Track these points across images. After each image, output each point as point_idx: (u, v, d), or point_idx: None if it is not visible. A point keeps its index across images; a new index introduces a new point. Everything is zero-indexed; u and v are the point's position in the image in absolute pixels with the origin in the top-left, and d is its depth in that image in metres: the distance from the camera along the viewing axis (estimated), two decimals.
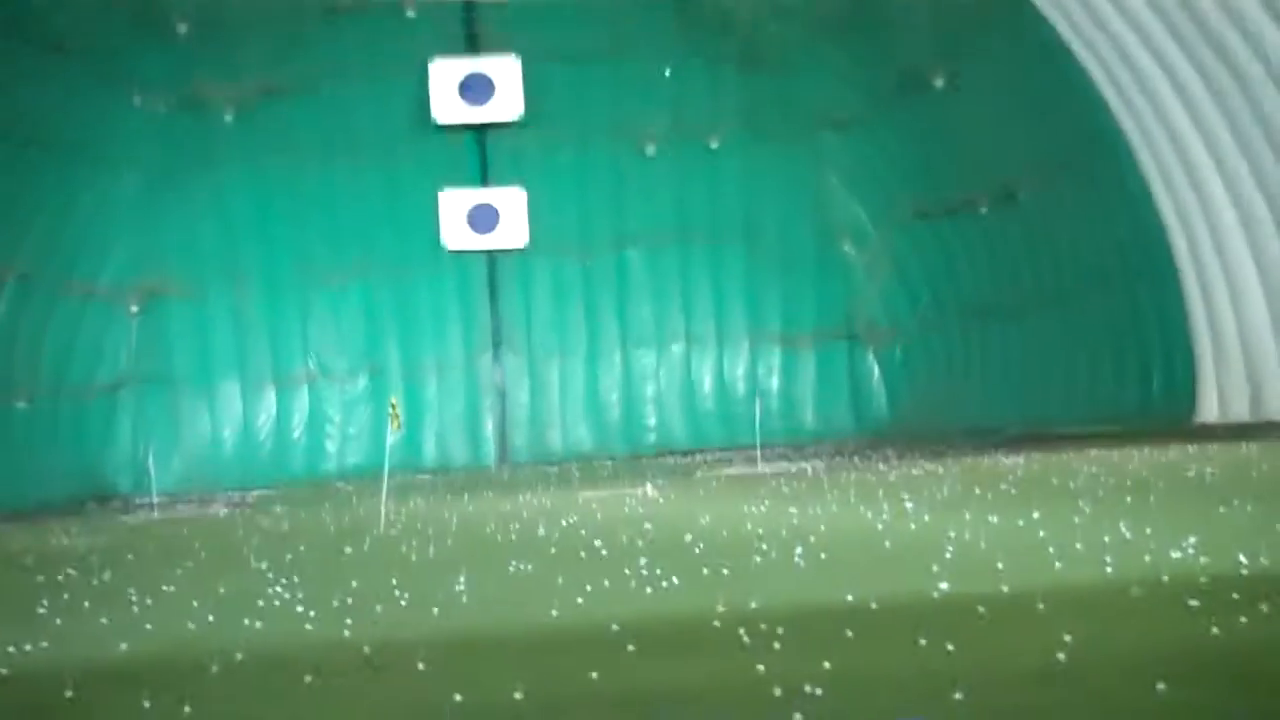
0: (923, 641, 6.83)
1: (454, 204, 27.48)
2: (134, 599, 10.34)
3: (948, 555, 9.78)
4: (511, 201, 27.64)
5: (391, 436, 17.31)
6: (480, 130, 27.84)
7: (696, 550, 11.14)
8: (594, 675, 6.63)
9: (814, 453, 25.35)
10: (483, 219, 27.50)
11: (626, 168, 28.53)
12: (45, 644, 8.59)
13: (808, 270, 29.33)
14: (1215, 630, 6.68)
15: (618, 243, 28.80)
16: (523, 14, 27.01)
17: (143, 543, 15.55)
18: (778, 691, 6.03)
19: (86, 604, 10.28)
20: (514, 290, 28.68)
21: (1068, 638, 6.64)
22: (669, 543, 11.83)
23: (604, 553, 11.43)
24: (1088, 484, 14.65)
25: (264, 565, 12.14)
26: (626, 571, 10.02)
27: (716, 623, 7.76)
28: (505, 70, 26.85)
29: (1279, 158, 20.60)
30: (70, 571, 12.60)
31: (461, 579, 10.17)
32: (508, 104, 26.92)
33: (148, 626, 9.05)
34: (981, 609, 7.66)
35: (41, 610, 10.05)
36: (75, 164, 24.86)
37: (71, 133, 24.61)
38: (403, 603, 9.38)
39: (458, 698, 6.32)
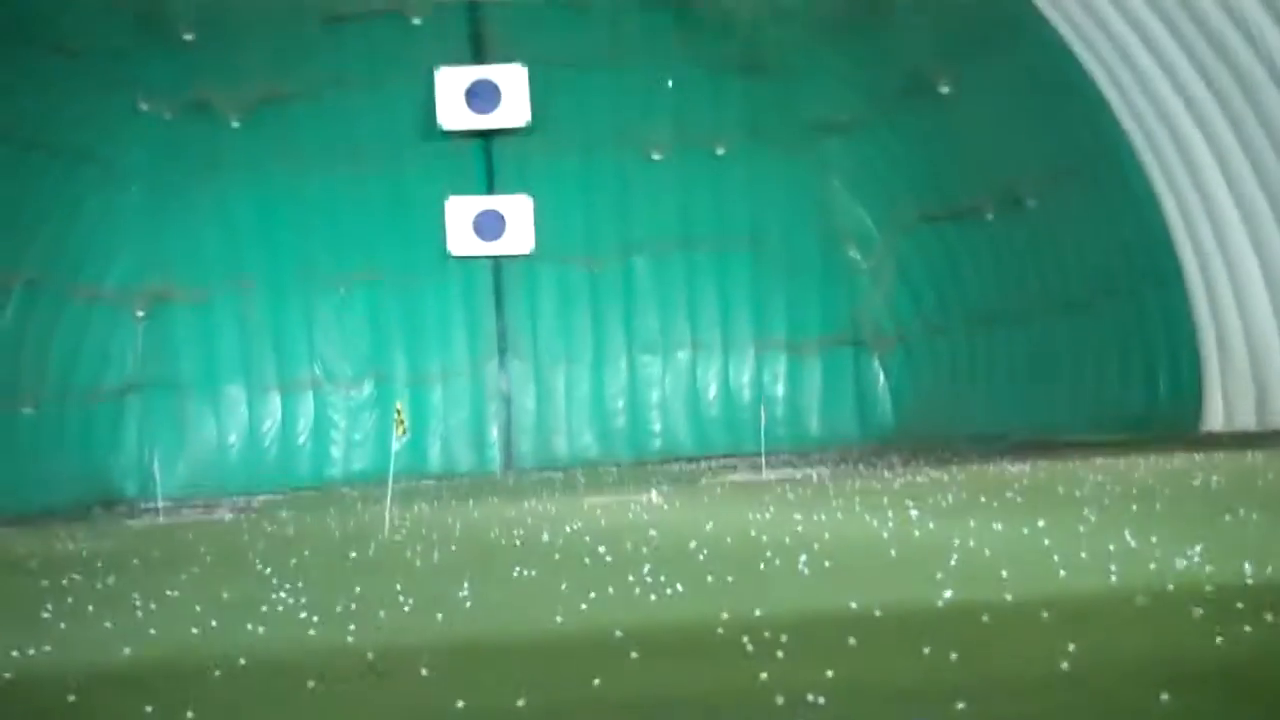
0: (927, 650, 6.81)
1: (460, 210, 27.51)
2: (138, 604, 10.34)
3: (952, 563, 9.77)
4: (517, 208, 27.67)
5: (397, 442, 17.29)
6: (486, 137, 27.87)
7: (701, 557, 11.13)
8: (597, 682, 6.62)
9: (819, 460, 25.34)
10: (489, 225, 27.54)
11: (632, 174, 28.56)
12: (49, 648, 8.60)
13: (813, 276, 29.33)
14: (1220, 639, 6.66)
15: (623, 249, 28.82)
16: (528, 22, 27.07)
17: (147, 547, 15.55)
18: (781, 699, 6.02)
19: (90, 608, 10.29)
20: (520, 297, 28.70)
21: (1072, 646, 6.62)
22: (673, 549, 11.82)
23: (608, 559, 11.42)
24: (1093, 492, 14.62)
25: (268, 570, 12.14)
26: (630, 578, 10.01)
27: (720, 630, 7.75)
28: (511, 78, 26.88)
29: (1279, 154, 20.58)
30: (74, 576, 12.60)
31: (465, 585, 10.16)
32: (514, 111, 26.94)
33: (151, 631, 9.05)
34: (986, 617, 7.65)
35: (45, 614, 10.06)
36: (80, 169, 24.91)
37: (77, 138, 24.65)
38: (406, 608, 9.38)
39: (460, 704, 6.32)
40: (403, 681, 7.01)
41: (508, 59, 26.96)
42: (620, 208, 28.68)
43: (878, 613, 7.98)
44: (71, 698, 7.03)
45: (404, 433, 16.75)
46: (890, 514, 13.71)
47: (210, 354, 27.37)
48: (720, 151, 28.68)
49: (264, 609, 9.69)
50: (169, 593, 10.97)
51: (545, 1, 26.98)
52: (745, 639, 7.35)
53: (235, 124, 26.67)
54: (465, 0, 27.33)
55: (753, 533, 12.76)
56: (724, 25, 27.31)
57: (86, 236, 25.40)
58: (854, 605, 8.21)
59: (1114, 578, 8.70)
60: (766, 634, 7.42)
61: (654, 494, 19.05)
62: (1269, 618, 7.05)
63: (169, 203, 26.65)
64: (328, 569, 12.28)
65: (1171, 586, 8.16)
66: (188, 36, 25.33)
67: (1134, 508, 12.72)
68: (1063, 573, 9.04)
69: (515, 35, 27.10)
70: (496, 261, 28.38)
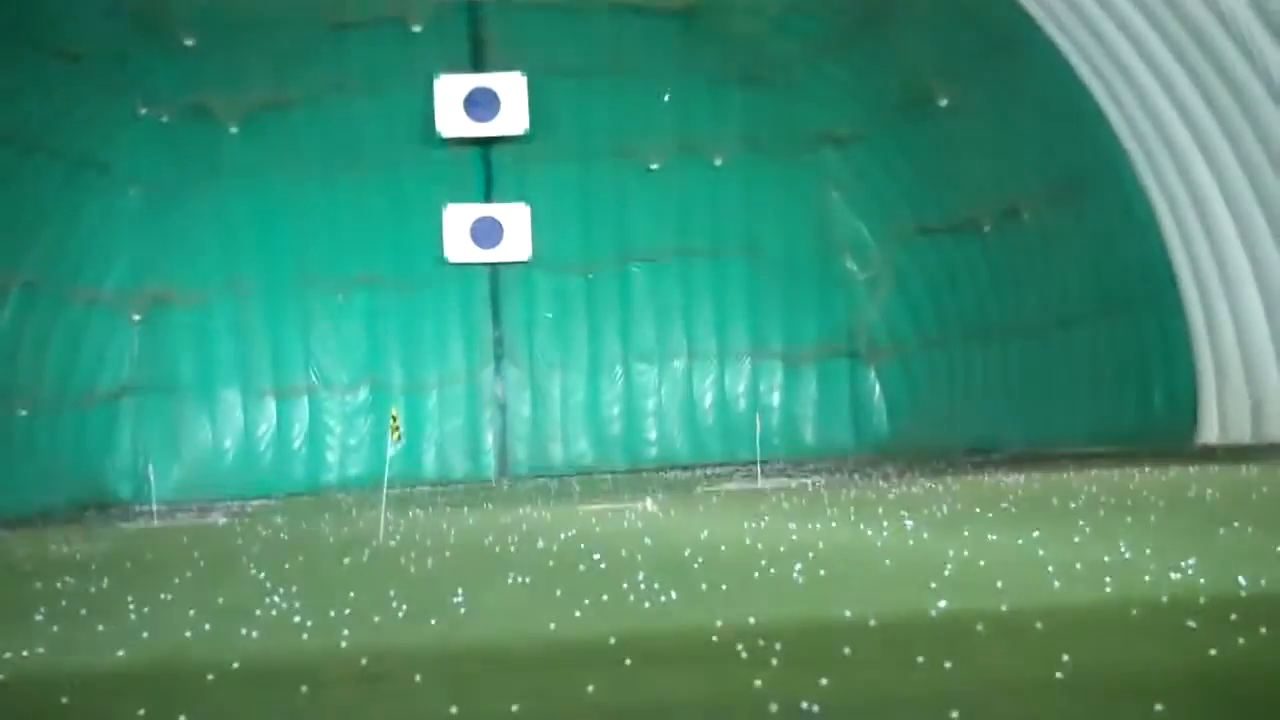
0: (920, 659, 6.81)
1: (458, 218, 27.54)
2: (131, 607, 10.33)
3: (947, 573, 9.76)
4: (515, 216, 27.70)
5: (392, 448, 17.30)
6: (485, 145, 27.90)
7: (695, 565, 11.13)
8: (591, 689, 6.62)
9: (814, 469, 25.33)
10: (486, 233, 27.56)
11: (630, 184, 28.62)
12: (42, 651, 8.58)
13: (809, 287, 29.38)
14: (1213, 651, 6.67)
15: (620, 258, 28.87)
16: (528, 30, 27.15)
17: (141, 551, 15.53)
18: (774, 707, 6.02)
19: (83, 611, 10.27)
20: (516, 304, 28.71)
21: (1066, 657, 6.63)
22: (668, 557, 11.81)
23: (603, 566, 11.41)
24: (1088, 504, 14.63)
25: (262, 575, 12.13)
26: (625, 586, 10.00)
27: (714, 637, 7.74)
28: (510, 86, 26.93)
29: (1277, 171, 20.60)
30: (68, 579, 12.58)
31: (460, 591, 10.15)
32: (513, 119, 26.99)
33: (144, 635, 9.03)
34: (980, 627, 7.64)
35: (39, 617, 10.03)
36: (80, 173, 24.94)
37: (77, 141, 24.68)
38: (400, 614, 9.36)
39: (454, 710, 6.31)
40: (396, 688, 7.00)
41: (507, 67, 27.01)
42: (618, 217, 28.73)
43: (872, 622, 7.98)
44: (64, 700, 7.02)
45: (399, 439, 16.74)
46: (885, 524, 13.71)
47: (207, 358, 27.38)
48: (718, 162, 28.75)
49: (258, 613, 9.67)
50: (162, 596, 10.96)
51: (545, 10, 27.04)
52: (739, 647, 7.35)
53: (234, 129, 26.74)
54: (466, 8, 27.38)
55: (747, 541, 12.76)
56: (724, 37, 27.38)
57: (85, 240, 25.41)
58: (848, 614, 8.21)
59: (1108, 589, 8.70)
60: (761, 642, 7.42)
61: (649, 502, 19.04)
62: (1263, 630, 7.05)
63: (168, 207, 26.69)
64: (322, 574, 12.26)
65: (1165, 598, 8.16)
66: (188, 42, 25.39)
67: (1129, 519, 12.72)
68: (1057, 584, 9.04)
69: (515, 44, 27.17)
70: (494, 269, 28.40)
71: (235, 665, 7.64)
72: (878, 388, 29.59)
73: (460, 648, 8.10)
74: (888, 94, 27.06)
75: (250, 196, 27.19)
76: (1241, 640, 6.87)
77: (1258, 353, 21.58)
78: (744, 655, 7.19)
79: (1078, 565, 9.74)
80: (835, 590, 9.38)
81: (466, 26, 27.56)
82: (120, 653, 8.34)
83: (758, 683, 6.50)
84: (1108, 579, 9.01)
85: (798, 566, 10.55)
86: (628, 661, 7.23)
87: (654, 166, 28.53)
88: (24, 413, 23.74)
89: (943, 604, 8.38)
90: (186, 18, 25.19)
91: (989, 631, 7.57)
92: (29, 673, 7.93)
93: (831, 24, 26.68)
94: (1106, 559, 9.94)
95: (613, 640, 7.76)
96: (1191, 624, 7.33)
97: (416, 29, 26.75)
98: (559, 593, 9.86)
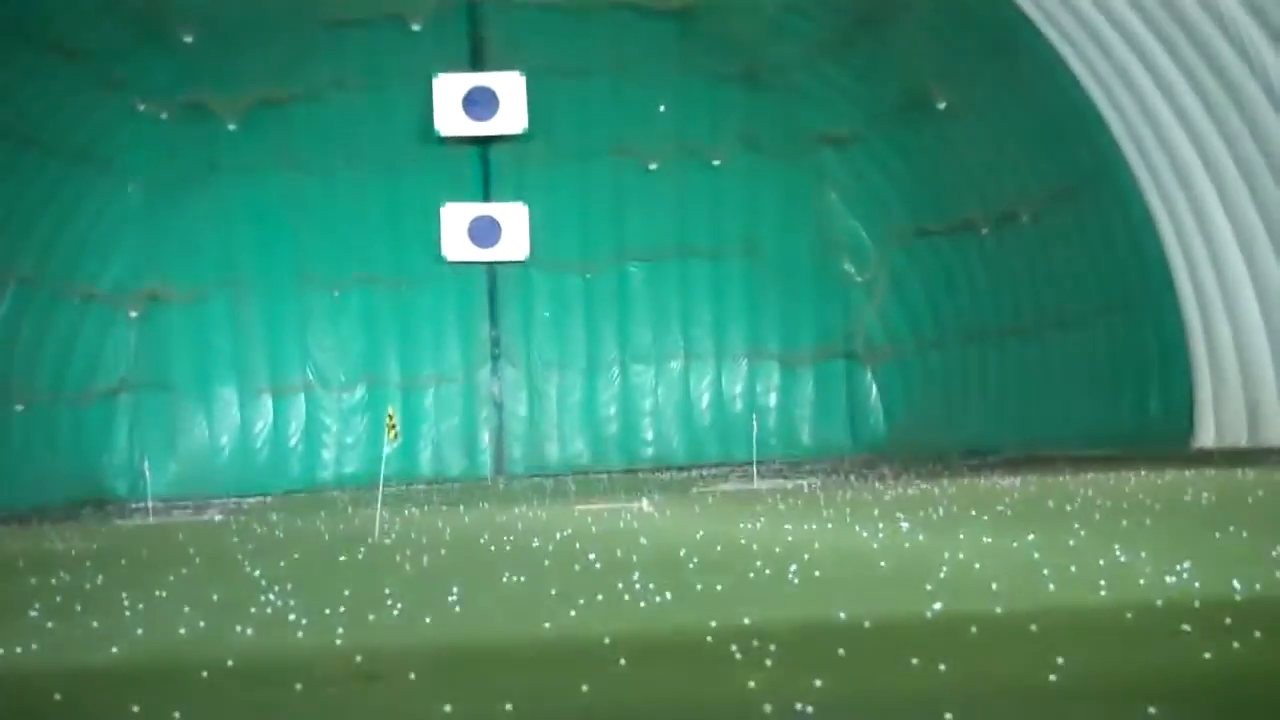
0: (915, 661, 6.81)
1: (455, 217, 27.52)
2: (126, 604, 10.32)
3: (942, 575, 9.77)
4: (513, 215, 27.68)
5: (388, 447, 17.30)
6: (483, 144, 27.89)
7: (690, 565, 11.13)
8: (585, 688, 6.62)
9: (810, 470, 25.34)
10: (484, 232, 27.54)
11: (628, 183, 28.60)
12: (36, 647, 8.58)
13: (807, 288, 29.38)
14: (1208, 655, 6.67)
15: (618, 258, 28.86)
16: (528, 29, 27.13)
17: (136, 548, 15.53)
18: (768, 708, 6.02)
19: (78, 608, 10.27)
20: (514, 304, 28.70)
21: (1060, 659, 6.63)
22: (663, 557, 11.82)
23: (598, 566, 11.42)
24: (1084, 507, 14.63)
25: (257, 572, 12.13)
26: (620, 585, 10.00)
27: (709, 638, 7.74)
28: (509, 85, 26.91)
29: (1275, 176, 20.62)
30: (63, 575, 12.58)
31: (455, 590, 10.15)
32: (511, 118, 26.97)
33: (139, 631, 9.03)
34: (975, 629, 7.65)
35: (33, 613, 10.03)
36: (77, 169, 24.92)
37: (74, 137, 24.66)
38: (395, 612, 9.36)
39: (448, 708, 6.31)
40: (390, 685, 7.01)
41: (506, 66, 27.00)
42: (616, 216, 28.72)
43: (867, 623, 7.98)
44: (58, 696, 7.02)
45: (395, 437, 16.74)
46: (881, 525, 13.72)
47: (203, 355, 27.35)
48: (717, 162, 28.74)
49: (252, 611, 9.67)
50: (157, 593, 10.95)
51: (545, 10, 27.04)
52: (734, 647, 7.35)
53: (233, 126, 26.73)
54: (465, 7, 27.38)
55: (743, 542, 12.76)
56: (723, 37, 27.39)
57: (82, 236, 25.39)
58: (843, 616, 8.21)
59: (1103, 592, 8.71)
60: (755, 643, 7.42)
61: (645, 502, 19.04)
62: (1257, 634, 7.06)
63: (166, 204, 26.66)
64: (317, 572, 12.26)
65: (1160, 602, 8.17)
66: (187, 38, 25.39)
67: (1124, 523, 12.73)
68: (1052, 586, 9.05)
69: (514, 43, 27.15)
70: (491, 268, 28.39)
71: (230, 662, 7.64)
72: (874, 389, 29.58)
73: (455, 646, 8.10)
74: (886, 96, 27.06)
75: (248, 194, 27.14)
76: (1236, 644, 6.88)
77: (1254, 357, 21.59)
78: (738, 656, 7.20)
79: (1073, 568, 9.75)
80: (830, 592, 9.38)
81: (466, 25, 27.54)
82: (115, 649, 8.34)
83: (752, 684, 6.50)
84: (1103, 582, 9.02)
85: (793, 568, 10.55)
86: (622, 661, 7.23)
87: (652, 167, 28.53)
88: (20, 409, 23.72)
89: (938, 606, 8.38)
90: (185, 14, 25.17)
91: (984, 634, 7.58)
92: (23, 669, 7.92)
93: (830, 25, 26.68)
94: (1101, 562, 9.95)
95: (607, 640, 7.76)
96: (1186, 628, 7.34)
97: (416, 27, 26.74)
98: (554, 592, 9.86)
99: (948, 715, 5.73)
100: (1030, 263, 25.72)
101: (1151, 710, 5.67)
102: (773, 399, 29.37)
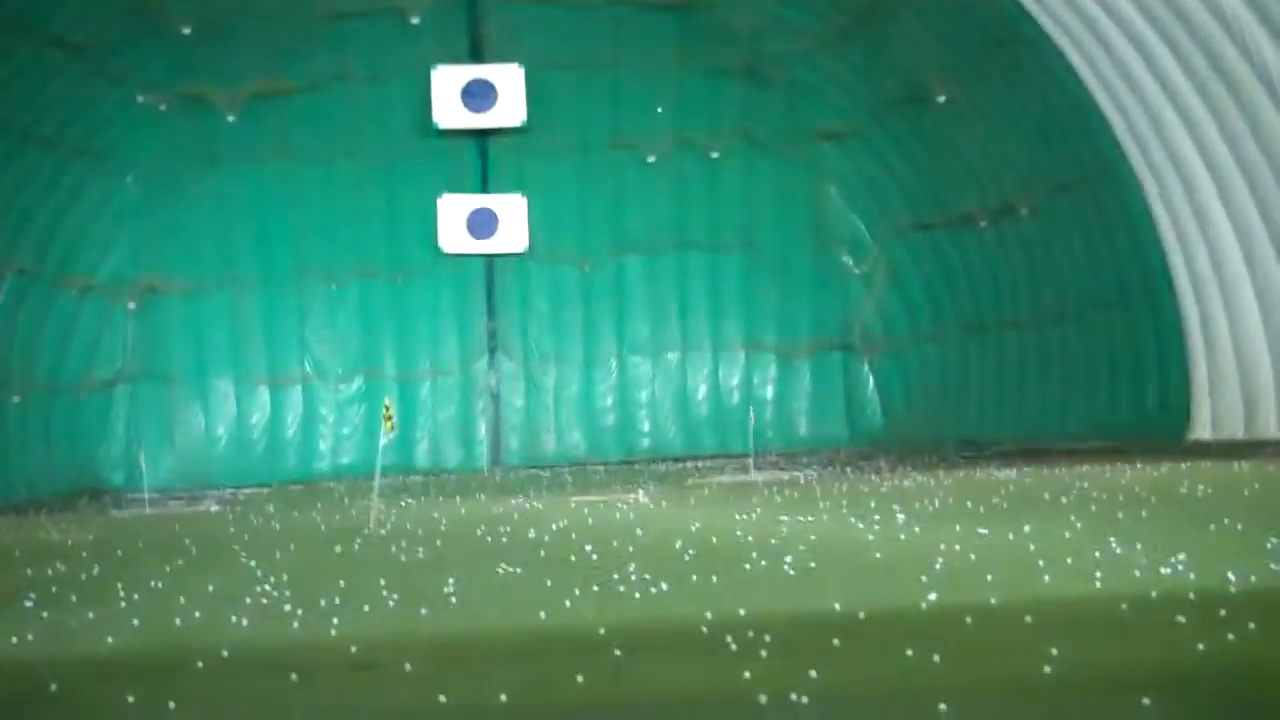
0: (910, 652, 6.82)
1: (453, 209, 27.50)
2: (122, 594, 10.32)
3: (937, 567, 9.78)
4: (511, 207, 27.66)
5: (385, 438, 17.28)
6: (482, 136, 27.87)
7: (686, 557, 11.14)
8: (580, 679, 6.62)
9: (807, 462, 25.35)
10: (482, 224, 27.53)
11: (626, 176, 28.58)
12: (31, 637, 8.58)
13: (805, 281, 29.36)
14: (1202, 647, 6.68)
15: (616, 250, 28.84)
16: (526, 22, 27.12)
17: (132, 538, 15.53)
18: (763, 699, 6.02)
19: (74, 598, 10.26)
20: (511, 296, 28.68)
21: (1055, 651, 6.63)
22: (659, 549, 11.82)
23: (594, 557, 11.42)
24: (1079, 499, 14.65)
25: (253, 563, 12.13)
26: (616, 576, 10.01)
27: (704, 629, 7.75)
28: (508, 77, 26.90)
29: (1275, 174, 20.62)
30: (59, 565, 12.58)
31: (450, 581, 10.15)
32: (510, 111, 26.96)
33: (135, 622, 9.03)
34: (970, 621, 7.65)
35: (28, 604, 10.03)
36: (76, 161, 24.88)
37: (73, 130, 24.62)
38: (391, 603, 9.37)
39: (443, 699, 6.32)
40: (385, 676, 7.01)
41: (505, 59, 26.99)
42: (614, 209, 28.69)
43: (862, 615, 7.99)
44: (54, 687, 7.01)
45: (392, 428, 16.73)
46: (876, 517, 13.72)
47: (200, 347, 27.32)
48: (715, 155, 28.72)
49: (248, 601, 9.68)
50: (153, 584, 10.95)
51: (544, 3, 27.02)
52: (729, 638, 7.35)
53: (231, 118, 26.72)
54: (464, 0, 27.37)
55: (739, 533, 12.77)
56: (724, 31, 27.37)
57: (80, 228, 25.36)
58: (838, 607, 8.22)
59: (1098, 584, 8.72)
60: (750, 634, 7.43)
61: (641, 493, 19.05)
62: (1252, 626, 7.07)
63: (164, 196, 26.65)
64: (313, 563, 12.26)
65: (1155, 594, 8.17)
66: (185, 30, 25.36)
67: (1120, 515, 12.74)
68: (1047, 578, 9.06)
69: (513, 35, 27.14)
70: (489, 260, 28.37)
71: (225, 653, 7.63)
72: (871, 381, 29.59)
73: (450, 637, 8.11)
74: (886, 90, 27.03)
75: (247, 186, 27.12)
76: (1231, 636, 6.89)
77: (1252, 349, 21.58)
78: (734, 647, 7.20)
79: (1068, 560, 9.76)
80: (826, 583, 9.39)
81: (465, 18, 27.51)
82: (109, 640, 8.34)
83: (747, 674, 6.51)
84: (1098, 574, 9.03)
85: (789, 559, 10.56)
86: (617, 652, 7.24)
87: (651, 160, 28.51)
88: (17, 399, 23.70)
89: (933, 597, 8.39)
90: (183, 7, 25.15)
91: (979, 625, 7.59)
92: (18, 660, 7.92)
93: (830, 19, 26.65)
94: (1097, 554, 9.96)
95: (603, 631, 7.77)
96: (1181, 619, 7.35)
97: (415, 20, 26.72)
98: (550, 583, 9.87)
99: (942, 706, 5.74)
100: (1029, 257, 25.71)
101: (1146, 701, 5.67)
102: (770, 391, 29.37)
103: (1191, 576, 8.74)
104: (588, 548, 12.07)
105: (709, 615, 8.08)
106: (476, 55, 27.39)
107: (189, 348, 27.28)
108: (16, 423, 23.73)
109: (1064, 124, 23.74)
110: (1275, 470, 17.52)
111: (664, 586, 9.48)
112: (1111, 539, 10.66)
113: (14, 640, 8.44)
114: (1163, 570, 9.03)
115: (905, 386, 29.09)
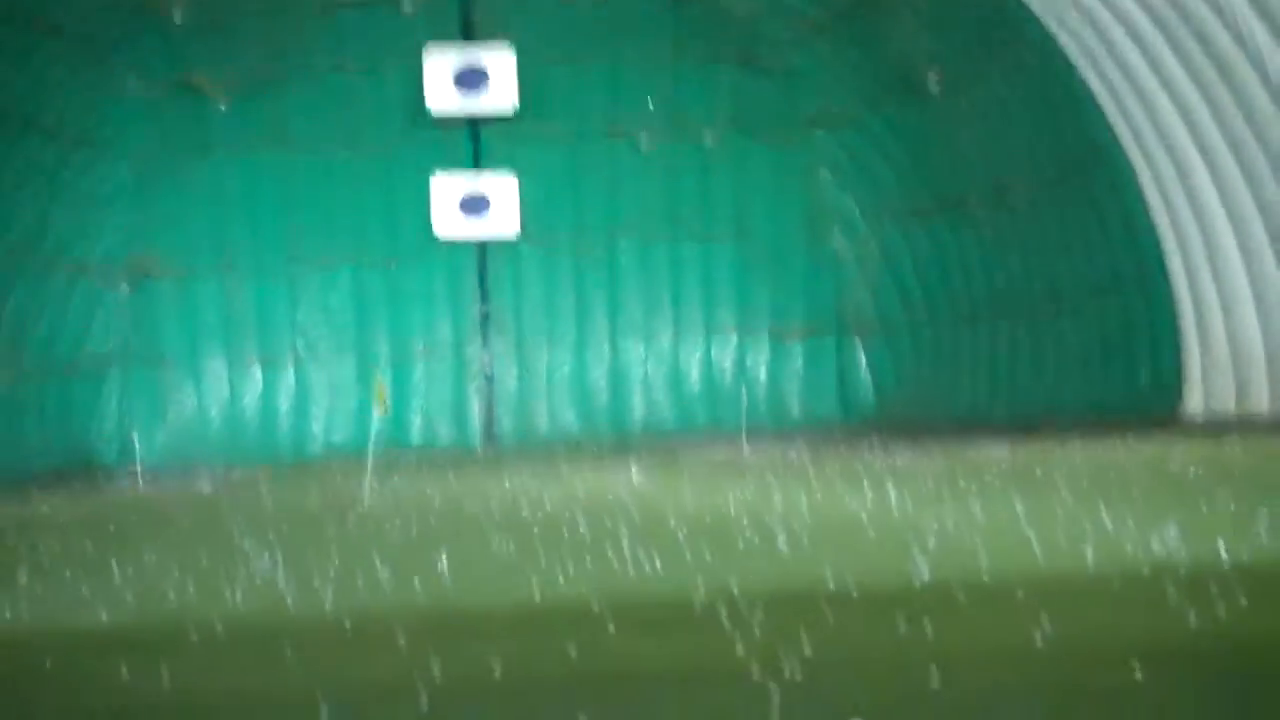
0: (902, 626, 6.84)
1: (446, 190, 27.43)
2: (115, 570, 10.33)
3: (929, 543, 9.80)
4: (503, 189, 27.59)
5: (376, 415, 17.28)
6: (474, 121, 27.81)
7: (679, 533, 11.15)
8: (573, 654, 6.64)
9: (800, 441, 25.36)
10: (474, 206, 27.48)
11: (619, 160, 28.53)
12: (25, 612, 8.59)
13: (797, 264, 29.36)
14: (1193, 620, 6.71)
15: (609, 233, 28.80)
16: (518, 6, 27.08)
17: (125, 515, 15.54)
18: (756, 674, 6.04)
19: (67, 574, 10.27)
20: (504, 278, 28.66)
21: (1047, 626, 6.65)
22: (652, 525, 11.85)
23: (587, 534, 11.44)
24: (1071, 475, 14.67)
25: (246, 539, 12.13)
26: (609, 553, 10.03)
27: (697, 605, 7.77)
28: (500, 62, 26.83)
29: (1269, 160, 20.64)
30: (52, 541, 12.58)
31: (443, 557, 10.16)
32: (502, 95, 26.89)
33: (128, 597, 9.04)
34: (962, 596, 7.68)
35: (22, 579, 10.04)
36: (70, 149, 24.86)
37: (67, 118, 24.61)
38: (384, 579, 9.38)
39: (436, 672, 6.32)
40: (379, 651, 7.02)
41: (498, 44, 26.92)
42: (607, 193, 28.66)
43: (854, 591, 8.01)
44: (47, 662, 7.02)
45: (385, 410, 16.73)
46: (869, 494, 13.75)
47: (193, 328, 27.33)
48: (709, 140, 28.67)
49: (241, 576, 9.68)
50: (146, 559, 10.95)
51: None
52: (722, 614, 7.37)
53: (223, 105, 26.73)
54: None
55: (731, 510, 12.79)
56: (717, 17, 27.34)
57: (74, 213, 25.32)
58: (831, 583, 8.24)
59: (1090, 559, 8.74)
60: (743, 609, 7.44)
61: (634, 471, 19.07)
62: (1243, 601, 7.10)
63: (157, 183, 26.65)
64: (305, 539, 12.27)
65: (1146, 569, 8.20)
66: (178, 19, 25.32)
67: (1111, 491, 12.77)
68: (1039, 554, 9.09)
69: (506, 22, 27.10)
70: (482, 245, 28.33)
71: (219, 627, 7.65)
72: (864, 363, 29.60)
73: (443, 613, 8.12)
74: (881, 76, 27.00)
75: (239, 171, 27.11)
76: (1221, 611, 6.92)
77: (1242, 327, 21.63)
78: (727, 623, 7.21)
79: (1060, 536, 9.79)
80: (818, 559, 9.40)
81: (457, 5, 27.48)
82: (103, 614, 8.35)
83: (740, 650, 6.52)
84: (1089, 549, 9.05)
85: (781, 536, 10.58)
86: (610, 627, 7.25)
87: (645, 145, 28.47)
88: (9, 380, 23.65)
89: (925, 573, 8.42)
90: None
91: (971, 601, 7.61)
92: (12, 634, 7.94)
93: (824, 6, 26.60)
94: (1088, 529, 9.98)
95: (596, 606, 7.78)
96: (1172, 593, 7.37)
97: (407, 8, 26.69)
98: (542, 559, 9.88)
99: (934, 680, 5.76)
100: (1022, 242, 25.72)
101: (1137, 676, 5.70)
102: (762, 373, 29.37)
103: (1182, 551, 8.77)
104: (581, 524, 12.09)
105: (702, 591, 8.09)
106: (468, 38, 27.35)
107: (182, 330, 27.31)
108: (9, 403, 23.70)
109: (1058, 109, 23.73)
110: (1266, 446, 17.56)
111: (657, 562, 9.49)
112: (1103, 515, 10.69)
113: (9, 615, 8.45)
114: (1154, 545, 9.05)
115: (898, 367, 29.12)
